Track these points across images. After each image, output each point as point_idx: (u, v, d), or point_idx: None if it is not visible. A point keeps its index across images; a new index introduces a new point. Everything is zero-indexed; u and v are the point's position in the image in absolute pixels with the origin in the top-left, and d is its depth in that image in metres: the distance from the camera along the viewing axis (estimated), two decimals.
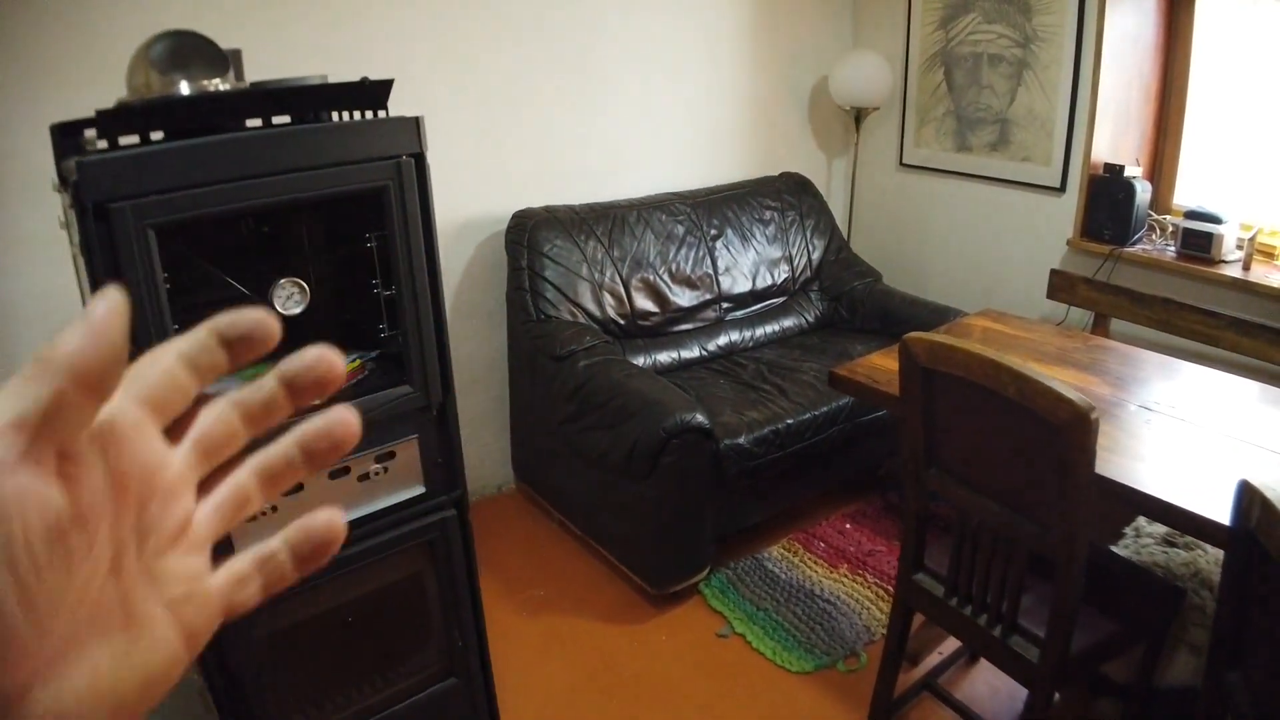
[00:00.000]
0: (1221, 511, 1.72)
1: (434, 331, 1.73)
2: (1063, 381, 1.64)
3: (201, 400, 0.35)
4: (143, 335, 1.41)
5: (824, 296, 3.82)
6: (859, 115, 4.01)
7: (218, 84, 1.54)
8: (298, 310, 1.61)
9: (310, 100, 1.59)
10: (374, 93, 1.61)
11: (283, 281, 1.58)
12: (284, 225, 1.77)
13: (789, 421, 2.92)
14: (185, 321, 1.55)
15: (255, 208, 1.49)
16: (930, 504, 2.07)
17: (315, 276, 1.76)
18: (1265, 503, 1.25)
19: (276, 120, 1.64)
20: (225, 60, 1.60)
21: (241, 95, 1.50)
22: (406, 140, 1.62)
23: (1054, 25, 3.43)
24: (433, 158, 3.09)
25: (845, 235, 4.18)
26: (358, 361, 1.77)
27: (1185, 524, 1.80)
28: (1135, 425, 2.14)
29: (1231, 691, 1.50)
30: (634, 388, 2.78)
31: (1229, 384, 2.40)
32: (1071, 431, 1.59)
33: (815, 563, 3.09)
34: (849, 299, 3.75)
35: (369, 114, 1.67)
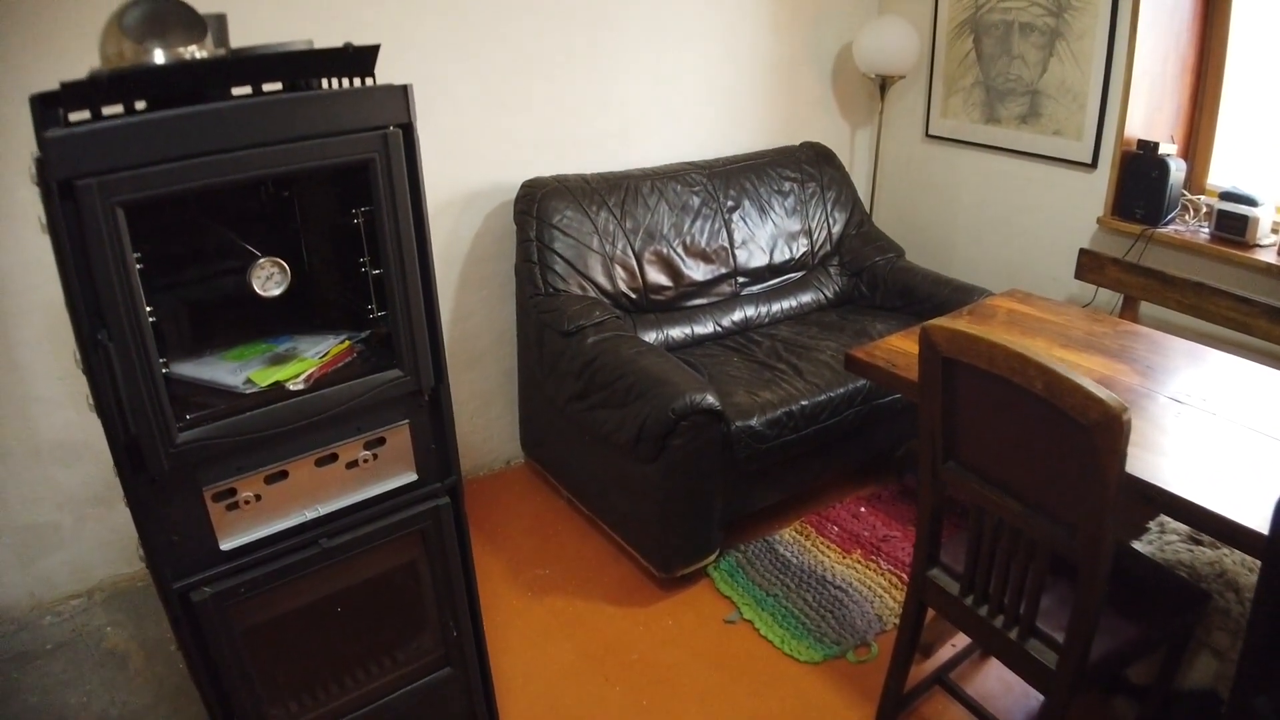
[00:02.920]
0: (1250, 515, 1.64)
1: (425, 313, 1.64)
2: (1091, 375, 1.54)
3: None
4: (114, 321, 1.33)
5: (844, 272, 3.70)
6: (884, 84, 3.87)
7: (194, 51, 1.44)
8: (278, 291, 1.53)
9: (287, 68, 1.49)
10: (359, 59, 1.51)
11: (262, 261, 1.49)
12: (264, 200, 1.68)
13: (803, 403, 2.82)
14: (160, 303, 1.48)
15: (232, 183, 1.39)
16: (947, 494, 1.98)
17: (299, 254, 1.67)
18: None
19: (262, 88, 1.55)
20: (203, 25, 1.50)
21: (214, 64, 1.41)
22: (394, 110, 1.52)
23: None
24: (441, 125, 3.03)
25: (867, 208, 4.05)
26: (346, 343, 1.68)
27: (1213, 527, 1.71)
28: (1164, 418, 2.05)
29: (1258, 717, 1.40)
30: (643, 366, 2.68)
31: (1262, 376, 2.30)
32: (1102, 432, 1.49)
33: (828, 547, 3.01)
34: (870, 275, 3.63)
35: (358, 82, 1.57)
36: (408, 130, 1.55)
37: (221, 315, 1.72)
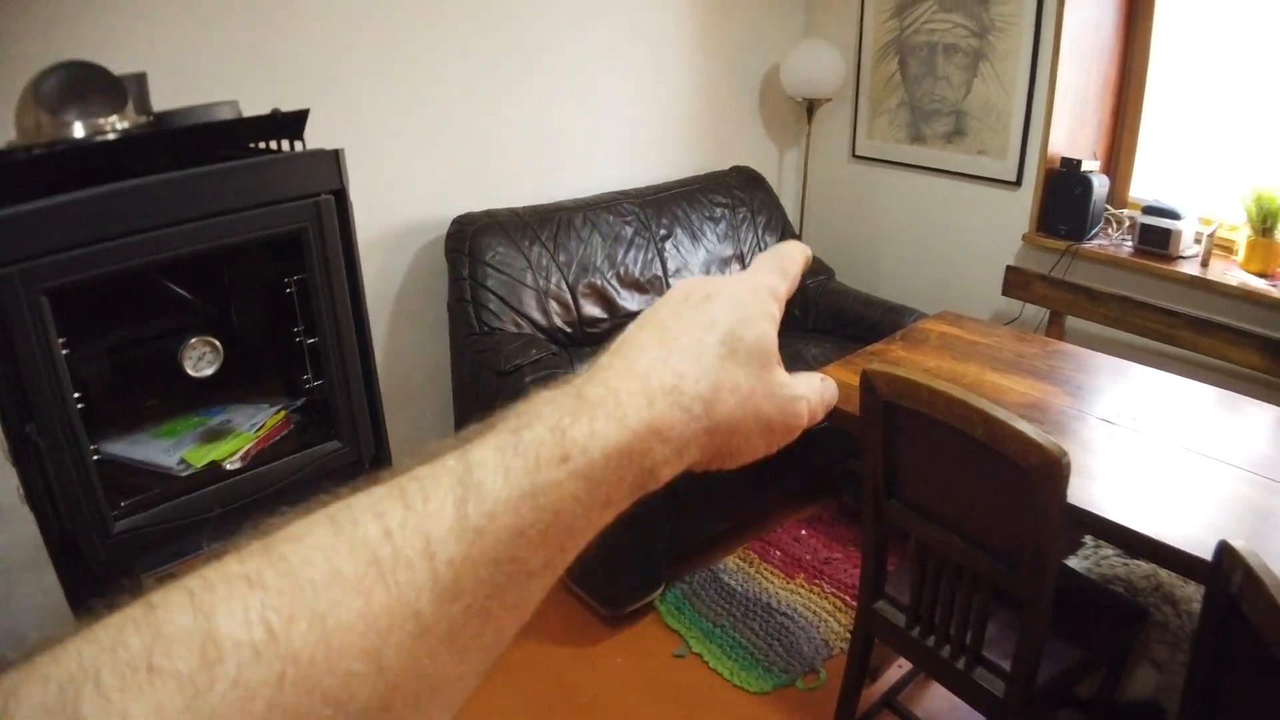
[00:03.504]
0: (1183, 535, 1.68)
1: (363, 379, 1.61)
2: (1023, 399, 1.56)
3: None
4: (41, 412, 1.28)
5: None
6: (811, 106, 3.91)
7: (115, 122, 1.40)
8: (211, 371, 1.49)
9: (213, 138, 1.46)
10: (287, 124, 1.48)
11: (193, 341, 1.45)
12: (194, 270, 1.64)
13: None
14: (87, 381, 1.43)
15: (160, 262, 1.35)
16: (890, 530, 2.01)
17: (230, 323, 1.63)
18: (1249, 570, 1.18)
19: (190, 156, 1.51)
20: (123, 92, 1.46)
21: (137, 140, 1.37)
22: (326, 176, 1.50)
23: (1012, 15, 3.34)
24: (369, 159, 2.98)
25: (797, 230, 4.09)
26: (282, 414, 1.64)
27: (1149, 551, 1.74)
28: (1096, 441, 2.09)
29: None
30: None
31: (1187, 390, 2.37)
32: (1042, 476, 1.52)
33: (772, 573, 3.02)
34: (801, 298, 3.66)
35: (286, 144, 1.54)
36: (340, 196, 1.52)
37: (152, 389, 1.67)
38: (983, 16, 3.44)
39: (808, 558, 3.10)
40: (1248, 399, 2.33)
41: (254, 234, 1.42)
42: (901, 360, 2.52)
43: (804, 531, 3.24)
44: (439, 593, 0.32)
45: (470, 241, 3.03)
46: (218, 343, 1.48)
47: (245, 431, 1.59)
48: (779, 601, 2.88)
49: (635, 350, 0.42)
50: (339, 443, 1.63)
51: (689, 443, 0.41)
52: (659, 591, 2.88)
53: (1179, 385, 2.40)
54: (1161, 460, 1.98)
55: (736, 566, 3.07)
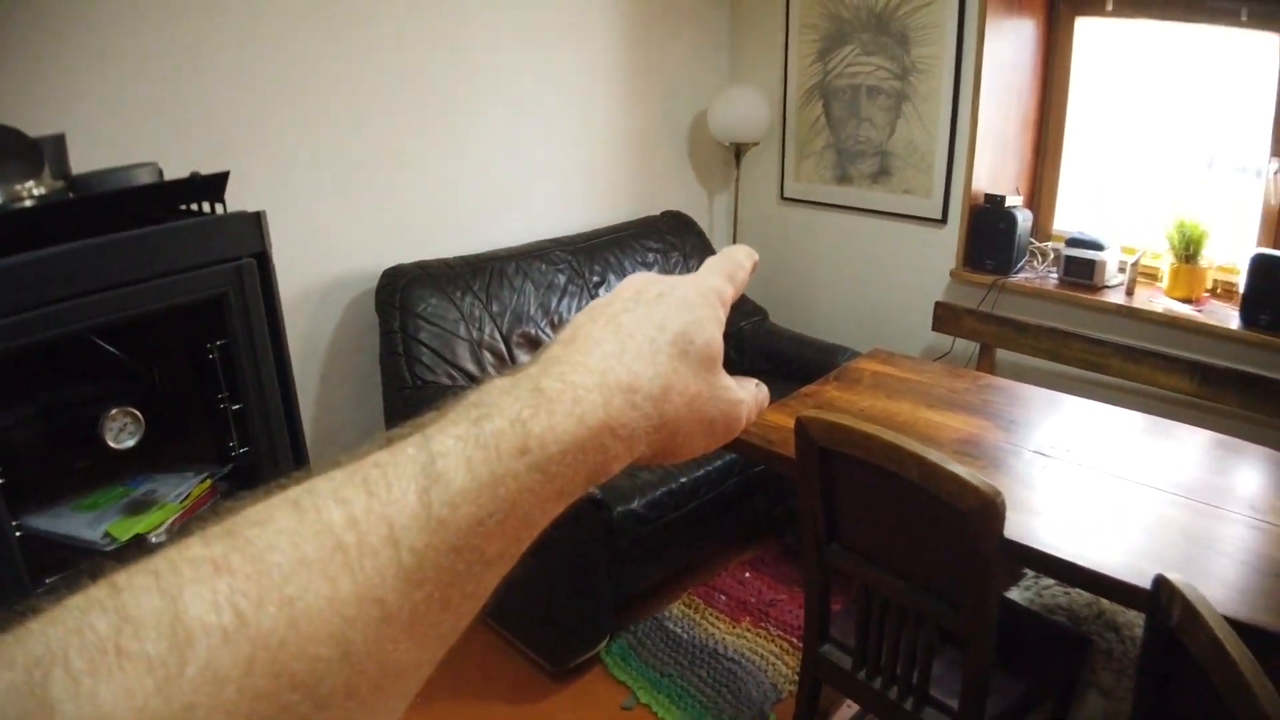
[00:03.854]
0: (1120, 565, 1.70)
1: (290, 445, 1.57)
2: (957, 435, 1.58)
3: None
4: None
5: None
6: (739, 150, 3.95)
7: (32, 188, 1.36)
8: (132, 442, 1.44)
9: (132, 204, 1.42)
10: (208, 187, 1.45)
11: (114, 412, 1.40)
12: (116, 340, 1.59)
13: (683, 480, 2.82)
14: (5, 460, 1.38)
15: (79, 331, 1.31)
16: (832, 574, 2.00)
17: (153, 389, 1.59)
18: (1186, 604, 1.20)
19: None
20: (40, 156, 1.42)
21: (54, 208, 1.33)
22: (248, 239, 1.47)
23: (932, 57, 3.42)
24: (296, 212, 2.94)
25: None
26: (208, 482, 1.60)
27: (1088, 582, 1.76)
28: (1031, 475, 2.11)
29: None
30: None
31: (1117, 418, 2.42)
32: (978, 517, 1.53)
33: (717, 618, 3.00)
34: (736, 339, 3.68)
35: (208, 206, 1.50)
36: (263, 259, 1.49)
37: (74, 460, 1.61)
38: (904, 59, 3.51)
39: (753, 600, 3.08)
40: (1178, 423, 2.39)
41: (174, 300, 1.39)
42: (836, 401, 2.54)
43: (748, 574, 3.23)
44: (402, 580, 0.32)
45: (401, 294, 3.00)
46: (138, 413, 1.44)
47: (171, 502, 1.54)
48: (726, 647, 2.86)
49: (589, 344, 0.43)
50: None
51: (639, 439, 0.42)
52: (604, 643, 2.84)
53: (1110, 414, 2.44)
54: (1096, 490, 2.01)
55: (682, 613, 3.04)
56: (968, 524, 1.55)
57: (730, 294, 0.50)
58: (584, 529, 2.55)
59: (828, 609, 2.08)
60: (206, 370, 1.56)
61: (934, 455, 1.56)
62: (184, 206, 1.54)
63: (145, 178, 1.55)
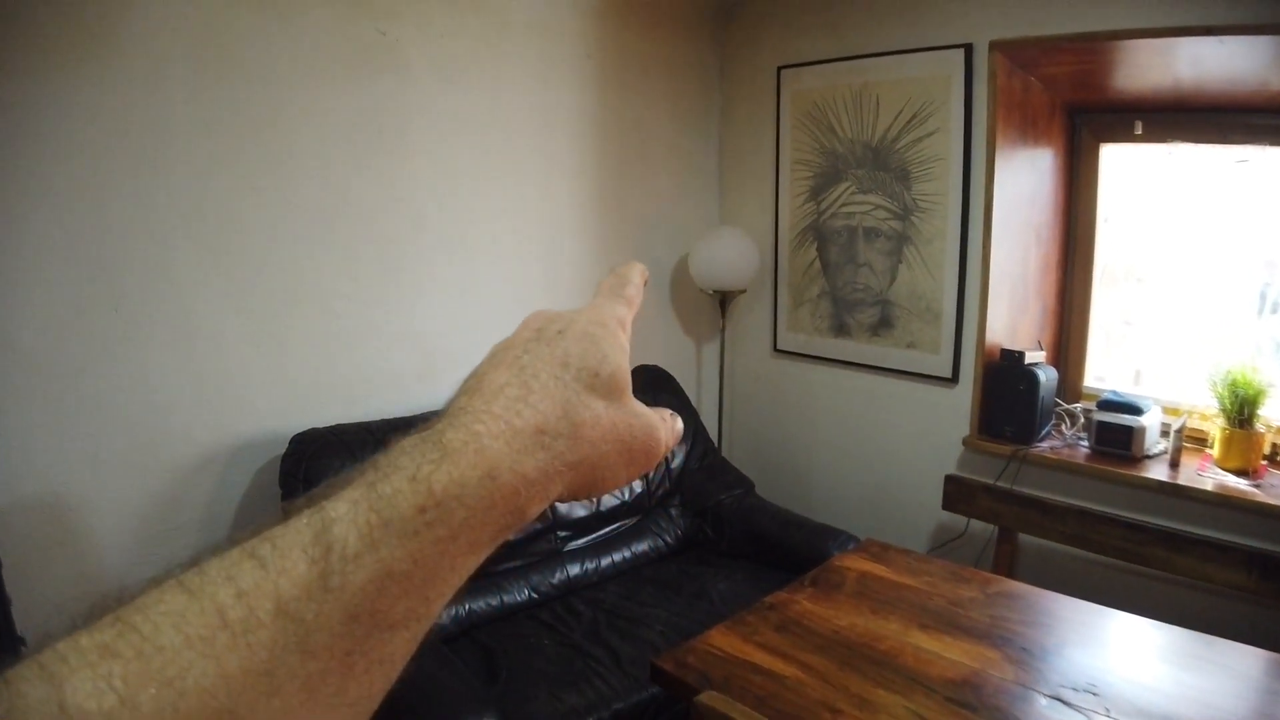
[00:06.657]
0: None
1: None
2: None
3: None
4: None
5: (686, 512, 3.20)
6: (724, 299, 3.52)
7: None
8: None
9: None
10: None
11: None
12: None
13: (617, 707, 2.25)
14: None
15: None
16: None
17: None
18: None
19: None
20: None
21: None
22: None
23: (936, 193, 3.00)
24: (201, 369, 2.51)
25: (716, 433, 3.64)
26: None
27: None
28: None
29: None
30: (410, 678, 2.13)
31: (1155, 641, 1.95)
32: None
33: None
34: (715, 515, 3.14)
35: None
36: None
37: None
38: (904, 196, 3.09)
39: None
40: (1229, 643, 1.89)
41: None
42: (807, 616, 2.04)
43: None
44: (293, 651, 0.31)
45: (306, 465, 2.55)
46: None
47: None
48: None
49: (492, 391, 0.41)
50: None
51: (554, 480, 0.40)
52: None
53: (1149, 636, 1.97)
54: None
55: None
56: None
57: (629, 317, 0.49)
58: None
59: None
60: None
61: None
62: None
63: None
